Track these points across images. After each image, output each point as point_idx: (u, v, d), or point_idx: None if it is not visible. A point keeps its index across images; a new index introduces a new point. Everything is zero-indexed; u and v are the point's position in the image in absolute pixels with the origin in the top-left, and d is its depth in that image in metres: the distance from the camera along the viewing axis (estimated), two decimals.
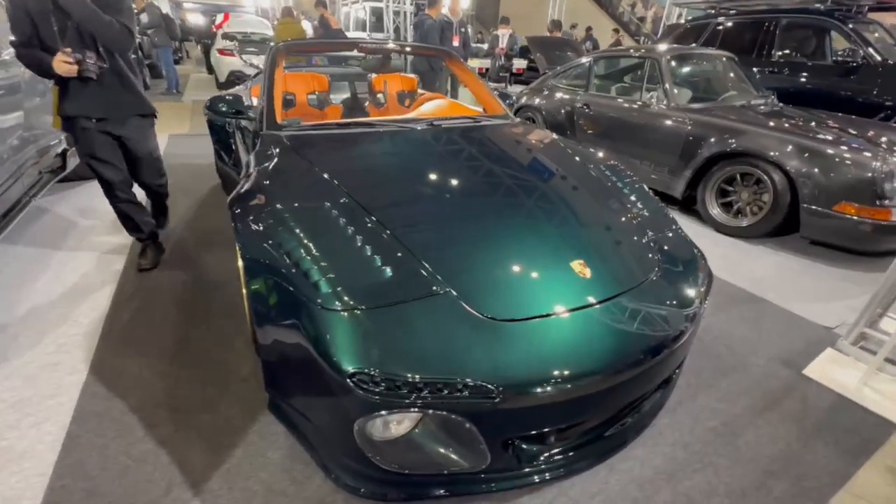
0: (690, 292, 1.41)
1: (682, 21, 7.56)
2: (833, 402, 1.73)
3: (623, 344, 1.20)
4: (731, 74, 3.91)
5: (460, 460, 1.15)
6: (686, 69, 3.82)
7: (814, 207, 2.72)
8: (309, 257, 1.23)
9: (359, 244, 1.29)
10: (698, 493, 1.34)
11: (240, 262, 1.42)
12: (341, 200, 1.45)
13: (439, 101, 2.75)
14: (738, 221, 3.16)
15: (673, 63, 3.65)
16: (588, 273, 1.32)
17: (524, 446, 1.21)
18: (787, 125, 3.02)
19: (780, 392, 1.76)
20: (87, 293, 2.24)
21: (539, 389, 1.07)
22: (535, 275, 1.32)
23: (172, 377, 1.71)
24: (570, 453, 1.28)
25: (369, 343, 1.08)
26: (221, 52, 8.23)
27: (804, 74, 4.74)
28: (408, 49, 3.12)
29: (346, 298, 1.13)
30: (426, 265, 1.25)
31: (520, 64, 10.17)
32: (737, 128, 3.09)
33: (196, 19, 17.74)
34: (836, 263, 2.84)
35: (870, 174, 2.54)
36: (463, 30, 5.91)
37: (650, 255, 1.49)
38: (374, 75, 3.41)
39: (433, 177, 1.75)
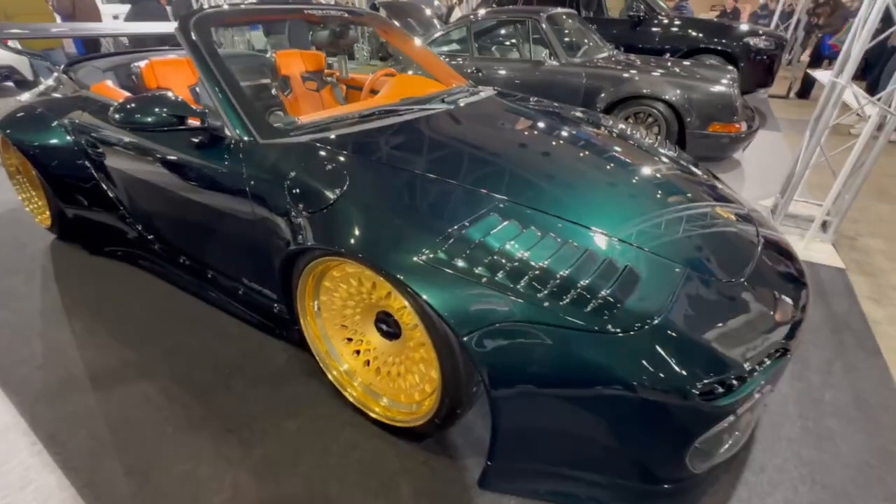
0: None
1: None
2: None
3: None
4: (583, 30, 4.50)
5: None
6: (557, 27, 4.22)
7: (697, 132, 3.46)
8: (563, 281, 1.01)
9: (589, 249, 1.10)
10: None
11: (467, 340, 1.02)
12: (500, 206, 1.19)
13: (404, 77, 2.39)
14: None
15: (549, 23, 3.99)
16: (732, 217, 1.43)
17: None
18: (658, 69, 3.69)
19: None
20: None
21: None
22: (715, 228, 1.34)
23: None
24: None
25: (693, 350, 0.98)
26: None
27: (604, 28, 5.81)
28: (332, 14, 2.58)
29: (637, 314, 0.98)
30: (658, 254, 1.15)
31: None
32: (624, 76, 3.63)
33: None
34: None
35: (729, 99, 3.35)
36: None
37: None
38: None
39: (534, 153, 1.57)
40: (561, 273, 1.02)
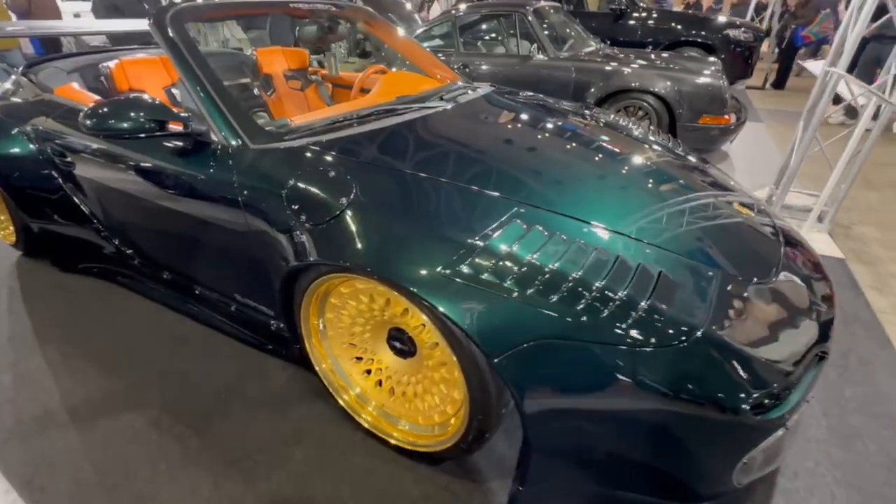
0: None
1: None
2: None
3: None
4: (569, 23, 4.45)
5: None
6: (544, 21, 4.15)
7: (688, 124, 3.44)
8: (600, 294, 0.93)
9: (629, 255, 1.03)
10: None
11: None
12: (521, 212, 1.10)
13: (396, 74, 2.27)
14: None
15: (536, 16, 3.92)
16: (752, 213, 1.38)
17: None
18: (647, 62, 3.66)
19: None
20: None
21: None
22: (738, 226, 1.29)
23: None
24: None
25: (739, 362, 0.91)
26: None
27: (585, 22, 5.79)
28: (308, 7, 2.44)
29: (679, 325, 0.91)
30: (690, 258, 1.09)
31: None
32: (614, 69, 3.59)
33: None
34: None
35: (720, 91, 3.35)
36: None
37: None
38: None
39: (544, 152, 1.49)
40: (596, 284, 0.94)
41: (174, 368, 1.64)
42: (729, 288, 1.03)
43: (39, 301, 2.02)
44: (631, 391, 0.91)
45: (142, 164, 1.56)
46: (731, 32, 5.47)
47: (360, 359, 1.35)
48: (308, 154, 1.30)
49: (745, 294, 1.05)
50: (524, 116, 1.79)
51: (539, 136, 1.63)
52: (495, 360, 0.93)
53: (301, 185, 1.20)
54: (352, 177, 1.18)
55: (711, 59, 4.21)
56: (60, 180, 1.97)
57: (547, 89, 3.79)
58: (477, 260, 0.97)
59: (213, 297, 1.72)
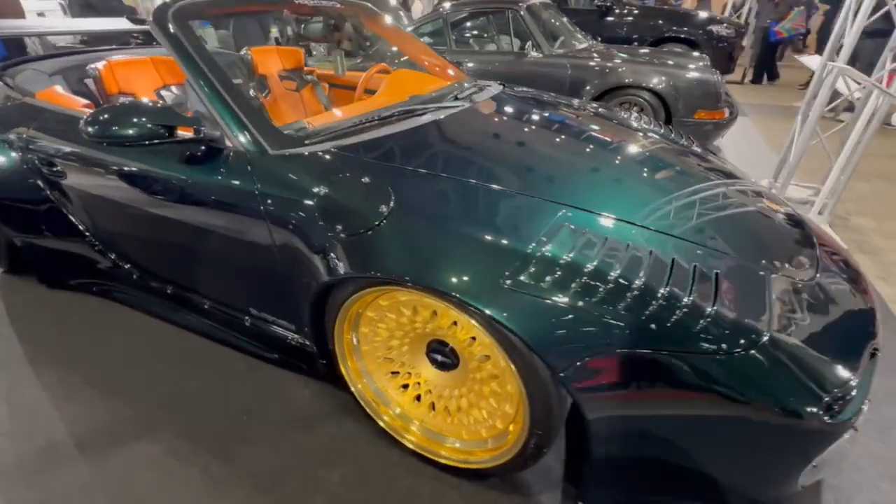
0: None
1: None
2: None
3: None
4: (560, 20, 4.44)
5: None
6: (536, 17, 4.13)
7: (683, 119, 3.47)
8: (665, 301, 0.89)
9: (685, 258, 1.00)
10: None
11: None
12: (570, 215, 1.05)
13: (401, 73, 2.19)
14: None
15: (529, 13, 3.89)
16: (781, 208, 1.38)
17: None
18: (642, 58, 3.68)
19: None
20: None
21: None
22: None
23: None
24: None
25: (806, 365, 0.89)
26: None
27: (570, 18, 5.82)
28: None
29: (744, 330, 0.88)
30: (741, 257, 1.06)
31: None
32: (609, 66, 3.60)
33: None
34: None
35: (714, 86, 3.39)
36: None
37: None
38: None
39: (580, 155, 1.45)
40: (661, 291, 0.90)
41: (185, 389, 1.54)
42: (783, 288, 1.02)
43: (28, 321, 1.88)
44: (700, 399, 0.89)
45: (143, 173, 1.45)
46: (715, 28, 5.57)
47: (395, 373, 1.29)
48: (337, 159, 1.22)
49: (800, 293, 1.03)
50: (541, 115, 1.75)
51: (563, 135, 1.59)
52: (562, 374, 0.88)
53: (334, 192, 1.13)
54: (389, 183, 1.11)
55: (698, 54, 4.27)
56: (48, 191, 1.83)
57: (542, 87, 3.74)
58: (535, 268, 0.92)
59: (225, 312, 1.63)
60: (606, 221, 1.06)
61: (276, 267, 1.30)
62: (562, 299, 0.89)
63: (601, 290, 0.89)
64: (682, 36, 5.66)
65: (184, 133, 1.30)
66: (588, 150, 1.49)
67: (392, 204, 1.06)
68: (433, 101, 1.68)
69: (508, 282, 0.91)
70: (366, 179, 1.14)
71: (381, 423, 1.30)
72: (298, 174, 1.20)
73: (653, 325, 0.87)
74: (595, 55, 3.78)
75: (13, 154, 1.83)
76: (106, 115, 1.21)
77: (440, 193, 1.10)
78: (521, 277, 0.91)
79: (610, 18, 5.86)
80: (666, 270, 0.95)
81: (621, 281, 0.91)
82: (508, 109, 1.75)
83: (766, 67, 6.96)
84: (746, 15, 7.30)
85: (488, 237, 0.98)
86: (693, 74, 3.45)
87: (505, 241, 0.97)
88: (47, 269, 2.03)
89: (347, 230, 1.07)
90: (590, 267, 0.92)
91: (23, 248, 2.00)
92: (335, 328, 1.22)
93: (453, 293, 0.92)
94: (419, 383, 1.25)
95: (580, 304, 0.88)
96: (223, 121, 1.28)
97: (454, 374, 1.18)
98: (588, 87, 3.63)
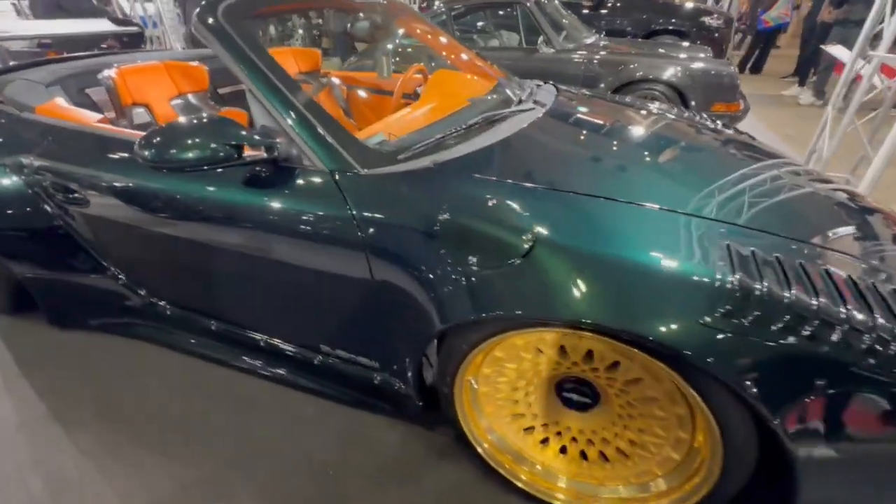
0: None
1: None
2: None
3: None
4: (565, 14, 4.35)
5: None
6: (543, 12, 4.02)
7: (700, 112, 3.45)
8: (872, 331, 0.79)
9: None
10: None
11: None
12: (720, 230, 0.94)
13: (444, 74, 2.03)
14: None
15: (538, 7, 3.77)
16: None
17: None
18: (654, 52, 3.63)
19: None
20: None
21: None
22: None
23: None
24: None
25: None
26: None
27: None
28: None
29: None
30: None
31: None
32: (624, 60, 3.53)
33: None
34: None
35: (731, 78, 3.37)
36: None
37: None
38: None
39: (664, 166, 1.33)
40: (859, 317, 0.80)
41: (251, 441, 1.35)
42: None
43: (45, 371, 1.63)
44: None
45: (194, 199, 1.25)
46: (706, 19, 5.61)
47: (530, 428, 1.14)
48: (453, 178, 1.07)
49: None
50: (616, 118, 1.63)
51: (650, 140, 1.48)
52: (776, 422, 0.77)
53: (462, 219, 0.98)
54: (523, 205, 0.97)
55: (700, 46, 4.28)
56: (62, 220, 1.58)
57: (556, 82, 3.68)
58: (732, 301, 0.80)
59: (289, 350, 1.45)
60: (761, 237, 0.95)
61: (369, 301, 1.13)
62: (768, 336, 0.78)
63: (810, 322, 0.78)
64: (672, 28, 5.68)
65: (253, 154, 1.12)
66: (682, 154, 1.39)
67: (536, 230, 0.92)
68: (499, 105, 1.54)
69: (708, 318, 0.79)
70: (492, 202, 0.99)
71: (520, 484, 1.14)
72: (408, 198, 1.04)
73: (871, 360, 0.77)
74: (608, 50, 3.70)
75: (15, 178, 1.57)
76: (157, 139, 1.02)
77: (582, 215, 0.97)
78: (717, 312, 0.79)
79: (601, 11, 5.82)
80: (852, 292, 0.85)
81: (823, 311, 0.80)
82: (582, 111, 1.63)
83: (760, 56, 7.00)
84: (728, 6, 7.44)
85: (655, 265, 0.86)
86: (709, 66, 3.43)
87: (674, 268, 0.84)
88: (60, 308, 1.77)
89: (484, 264, 0.92)
90: (780, 295, 0.81)
91: (29, 286, 1.74)
92: (456, 379, 1.07)
93: (645, 334, 0.79)
94: (560, 432, 1.11)
95: (791, 339, 0.77)
96: (301, 138, 1.11)
97: (598, 414, 1.05)
98: (603, 83, 3.56)
